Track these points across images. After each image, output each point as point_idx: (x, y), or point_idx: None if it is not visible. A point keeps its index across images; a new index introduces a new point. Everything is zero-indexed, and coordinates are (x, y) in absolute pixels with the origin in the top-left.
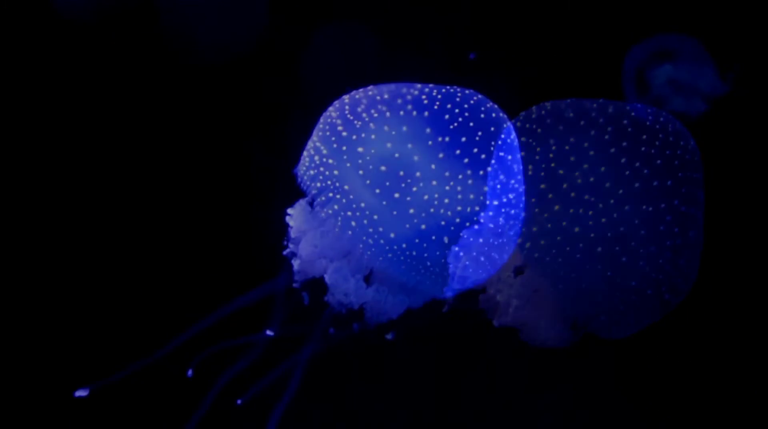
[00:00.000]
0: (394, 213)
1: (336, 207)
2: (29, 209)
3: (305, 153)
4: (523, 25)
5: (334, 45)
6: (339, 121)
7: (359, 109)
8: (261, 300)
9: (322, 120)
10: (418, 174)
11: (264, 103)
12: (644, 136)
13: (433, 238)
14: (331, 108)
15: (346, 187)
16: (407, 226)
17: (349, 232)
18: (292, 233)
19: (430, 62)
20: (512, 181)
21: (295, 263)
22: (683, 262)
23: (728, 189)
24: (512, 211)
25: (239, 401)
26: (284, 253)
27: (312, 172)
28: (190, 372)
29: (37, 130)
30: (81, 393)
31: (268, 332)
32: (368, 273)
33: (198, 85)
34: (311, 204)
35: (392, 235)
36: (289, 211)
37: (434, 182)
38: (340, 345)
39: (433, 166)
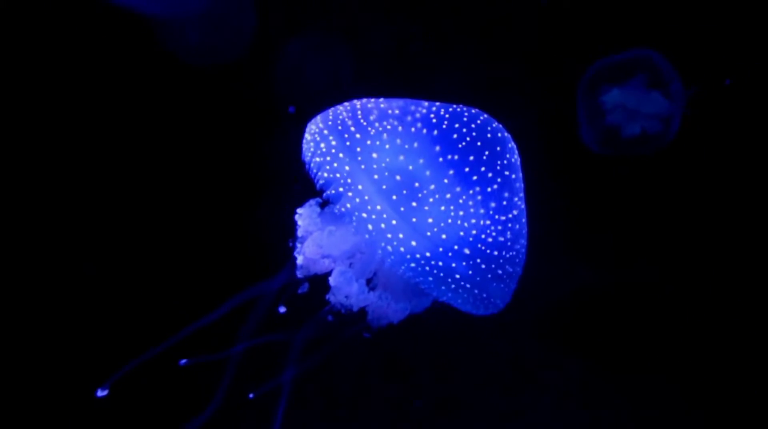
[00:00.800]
0: (414, 220)
1: (349, 205)
2: (37, 211)
3: (308, 136)
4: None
5: (313, 53)
6: (350, 122)
7: (371, 118)
8: (262, 296)
9: (330, 113)
10: (432, 187)
11: (263, 104)
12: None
13: (456, 247)
14: (339, 107)
15: (359, 186)
16: (428, 234)
17: (366, 235)
18: (300, 232)
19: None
20: (515, 199)
21: (299, 260)
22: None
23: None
24: (517, 226)
25: (251, 395)
26: (290, 251)
27: (318, 159)
28: (183, 361)
29: (44, 131)
30: (102, 393)
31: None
32: (371, 276)
33: (198, 85)
34: (321, 205)
35: (413, 244)
36: (299, 210)
37: (448, 196)
38: (335, 344)
39: (445, 181)
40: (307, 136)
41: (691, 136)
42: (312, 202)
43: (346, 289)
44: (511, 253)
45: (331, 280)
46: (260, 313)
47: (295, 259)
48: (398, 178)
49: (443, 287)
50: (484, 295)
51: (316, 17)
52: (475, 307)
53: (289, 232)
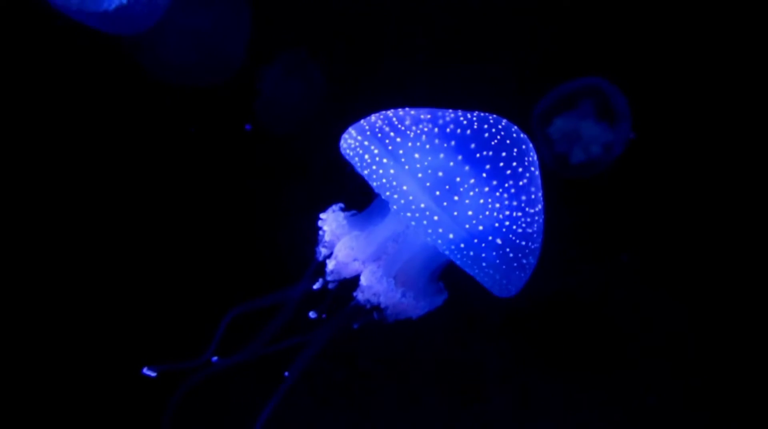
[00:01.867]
0: (455, 214)
1: (395, 207)
2: (48, 221)
3: (350, 151)
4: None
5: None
6: (388, 128)
7: (407, 122)
8: (284, 302)
9: (363, 124)
10: (472, 181)
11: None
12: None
13: (489, 238)
14: (371, 117)
15: (404, 187)
16: (467, 226)
17: (405, 233)
18: (326, 237)
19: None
20: (539, 194)
21: (330, 264)
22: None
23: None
24: (540, 220)
25: (286, 373)
26: (317, 256)
27: (366, 171)
28: (214, 358)
29: (47, 140)
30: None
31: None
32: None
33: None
34: (343, 209)
35: (451, 236)
36: (323, 216)
37: (486, 189)
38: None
39: (483, 175)
40: (348, 151)
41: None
42: (334, 207)
43: (377, 287)
44: (535, 246)
45: (363, 279)
46: (284, 318)
47: (322, 263)
48: (440, 174)
49: (475, 269)
50: (504, 282)
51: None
52: (497, 289)
53: (298, 239)
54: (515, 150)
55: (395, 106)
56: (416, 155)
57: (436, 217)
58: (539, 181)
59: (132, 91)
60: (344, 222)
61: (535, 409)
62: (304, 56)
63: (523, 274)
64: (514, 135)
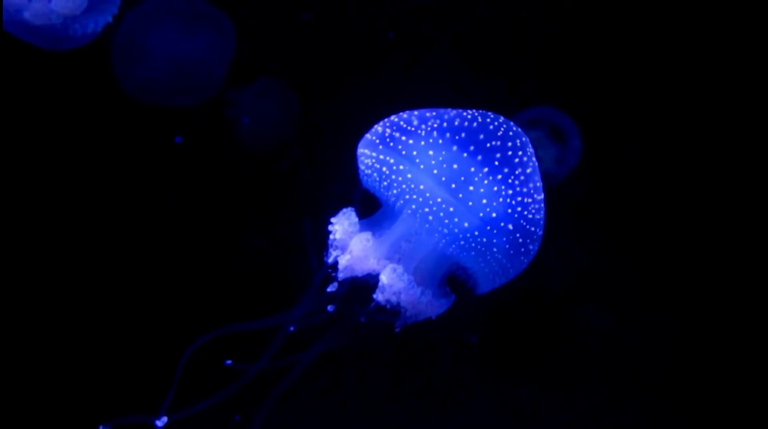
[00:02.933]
0: (470, 203)
1: (414, 206)
2: (26, 238)
3: (364, 168)
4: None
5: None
6: (398, 134)
7: (415, 123)
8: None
9: (371, 136)
10: (485, 169)
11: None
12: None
13: (502, 224)
14: (377, 127)
15: (421, 186)
16: (481, 214)
17: (426, 226)
18: (338, 235)
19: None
20: (540, 183)
21: (344, 259)
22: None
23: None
24: (544, 208)
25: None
26: (329, 256)
27: (385, 183)
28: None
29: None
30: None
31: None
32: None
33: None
34: (355, 212)
35: (466, 225)
36: (334, 220)
37: (499, 176)
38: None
39: (496, 163)
40: (366, 170)
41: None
42: (345, 210)
43: (398, 285)
44: (540, 233)
45: (384, 276)
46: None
47: (334, 262)
48: (455, 166)
49: (479, 259)
50: (508, 267)
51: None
52: (497, 278)
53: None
54: (518, 141)
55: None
56: (430, 152)
57: (452, 209)
58: (539, 171)
59: (109, 109)
60: (356, 220)
61: (520, 415)
62: (278, 77)
63: (525, 259)
64: (513, 128)
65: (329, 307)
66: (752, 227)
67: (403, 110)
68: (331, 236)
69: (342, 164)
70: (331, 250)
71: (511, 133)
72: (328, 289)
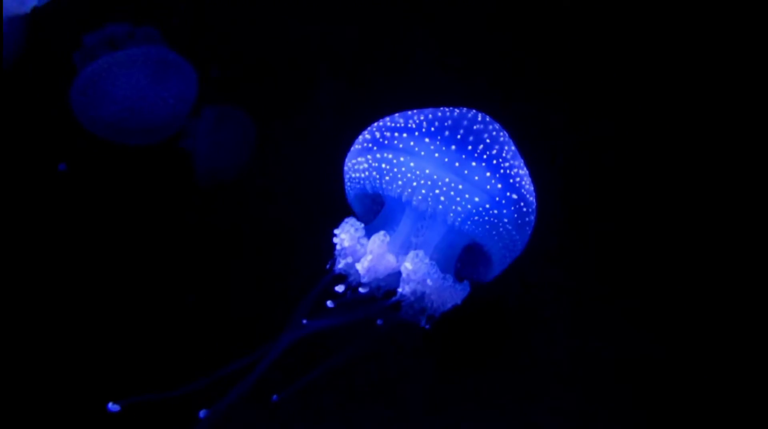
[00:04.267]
0: (476, 178)
1: (423, 191)
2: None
3: (365, 174)
4: None
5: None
6: (390, 133)
7: (401, 121)
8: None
9: (363, 146)
10: (481, 146)
11: None
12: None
13: (508, 194)
14: (366, 135)
15: (426, 171)
16: (487, 187)
17: (439, 208)
18: (345, 243)
19: None
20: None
21: (364, 262)
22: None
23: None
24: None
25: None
26: (338, 265)
27: (387, 177)
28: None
29: None
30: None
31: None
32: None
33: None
34: (359, 218)
35: (477, 200)
36: (337, 231)
37: (495, 150)
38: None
39: (487, 140)
40: (360, 175)
41: None
42: (347, 219)
43: (422, 269)
44: (535, 203)
45: (408, 264)
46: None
47: (345, 270)
48: (453, 148)
49: (492, 233)
50: (517, 239)
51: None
52: (508, 253)
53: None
54: (496, 125)
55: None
56: (426, 140)
57: (461, 186)
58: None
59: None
60: (361, 225)
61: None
62: (229, 105)
63: (528, 230)
64: (486, 116)
65: (350, 315)
66: (726, 239)
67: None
68: (338, 246)
69: (307, 185)
70: (339, 259)
71: (487, 119)
72: (343, 296)
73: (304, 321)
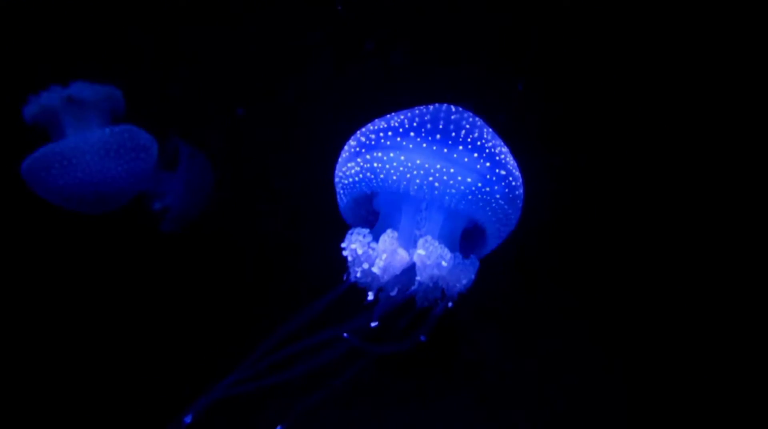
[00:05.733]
0: (465, 160)
1: (419, 181)
2: None
3: (359, 177)
4: None
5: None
6: (374, 135)
7: (382, 124)
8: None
9: (351, 152)
10: (463, 131)
11: None
12: None
13: (497, 170)
14: (352, 142)
15: (418, 161)
16: (477, 166)
17: (435, 193)
18: (359, 250)
19: None
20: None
21: (381, 262)
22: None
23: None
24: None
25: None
26: (357, 274)
27: (382, 175)
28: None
29: None
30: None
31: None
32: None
33: None
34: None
35: (469, 180)
36: (344, 243)
37: (476, 133)
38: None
39: (468, 126)
40: (353, 179)
41: None
42: (351, 229)
43: (435, 252)
44: (520, 178)
45: (420, 250)
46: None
47: (363, 276)
48: (438, 137)
49: (487, 209)
50: (510, 212)
51: None
52: (503, 227)
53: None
54: (470, 112)
55: None
56: (412, 134)
57: (452, 170)
58: None
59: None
60: (367, 231)
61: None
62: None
63: (519, 203)
64: (459, 107)
65: (373, 322)
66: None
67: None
68: (350, 257)
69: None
70: (355, 268)
71: (460, 109)
72: (369, 298)
73: (345, 335)
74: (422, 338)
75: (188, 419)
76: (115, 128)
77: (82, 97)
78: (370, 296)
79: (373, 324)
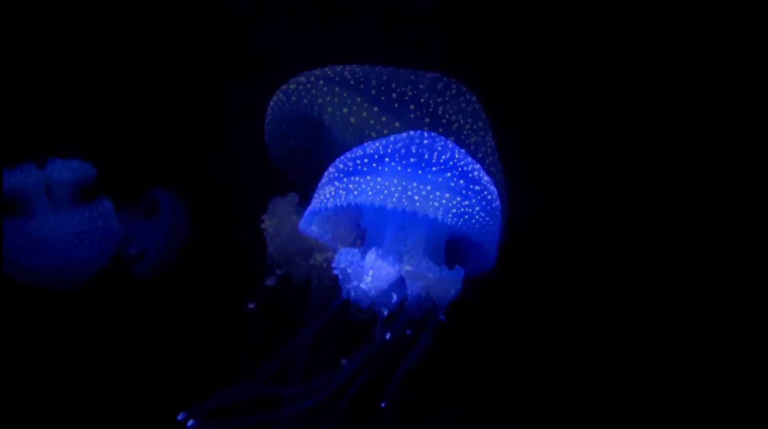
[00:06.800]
0: (440, 179)
1: (395, 199)
2: None
3: (342, 200)
4: None
5: None
6: (351, 163)
7: (358, 151)
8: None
9: (333, 174)
10: (437, 150)
11: None
12: None
13: (471, 186)
14: (331, 169)
15: (395, 180)
16: (452, 184)
17: (417, 205)
18: (348, 270)
19: None
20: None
21: (368, 278)
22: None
23: None
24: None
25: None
26: (348, 291)
27: (366, 194)
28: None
29: None
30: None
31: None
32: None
33: None
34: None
35: (448, 196)
36: (334, 264)
37: (449, 154)
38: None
39: (441, 144)
40: (336, 204)
41: None
42: (342, 250)
43: (421, 266)
44: (495, 192)
45: (407, 266)
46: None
47: (356, 292)
48: (413, 160)
49: (471, 222)
50: (491, 223)
51: None
52: (491, 237)
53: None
54: (442, 137)
55: None
56: (386, 159)
57: (429, 187)
58: None
59: None
60: (356, 250)
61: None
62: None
63: (499, 215)
64: (432, 132)
65: (386, 335)
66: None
67: None
68: (341, 276)
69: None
70: (345, 286)
71: (433, 134)
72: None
73: (344, 362)
74: (417, 350)
75: None
76: (89, 212)
77: (61, 181)
78: (364, 312)
79: (387, 336)
